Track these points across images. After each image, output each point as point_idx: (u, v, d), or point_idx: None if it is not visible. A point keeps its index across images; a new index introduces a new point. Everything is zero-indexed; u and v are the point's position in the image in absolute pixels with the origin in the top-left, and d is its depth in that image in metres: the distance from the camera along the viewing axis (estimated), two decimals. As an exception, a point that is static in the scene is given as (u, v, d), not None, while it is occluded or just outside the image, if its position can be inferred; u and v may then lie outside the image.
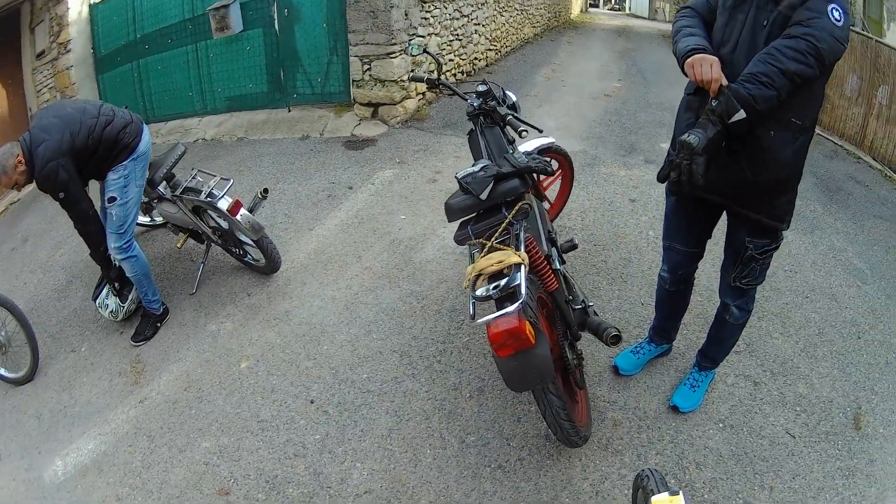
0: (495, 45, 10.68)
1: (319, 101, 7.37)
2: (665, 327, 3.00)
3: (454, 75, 8.69)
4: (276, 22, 7.24)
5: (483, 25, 9.81)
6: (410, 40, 6.99)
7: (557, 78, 9.66)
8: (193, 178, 3.82)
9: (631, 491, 2.02)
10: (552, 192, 4.11)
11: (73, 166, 3.19)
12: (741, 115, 1.90)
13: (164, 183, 3.82)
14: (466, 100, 3.11)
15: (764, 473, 2.55)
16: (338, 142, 6.44)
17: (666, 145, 6.36)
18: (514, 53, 11.80)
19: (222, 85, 7.91)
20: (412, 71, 6.97)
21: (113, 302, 3.70)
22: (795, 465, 2.60)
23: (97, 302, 3.75)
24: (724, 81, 1.96)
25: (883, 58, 8.26)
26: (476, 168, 2.39)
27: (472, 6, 9.17)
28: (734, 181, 2.20)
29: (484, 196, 2.28)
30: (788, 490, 2.48)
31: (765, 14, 2.03)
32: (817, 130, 8.66)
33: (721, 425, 2.78)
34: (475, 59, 9.52)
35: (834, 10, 1.91)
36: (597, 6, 56.20)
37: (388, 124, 6.78)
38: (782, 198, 2.23)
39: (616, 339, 2.45)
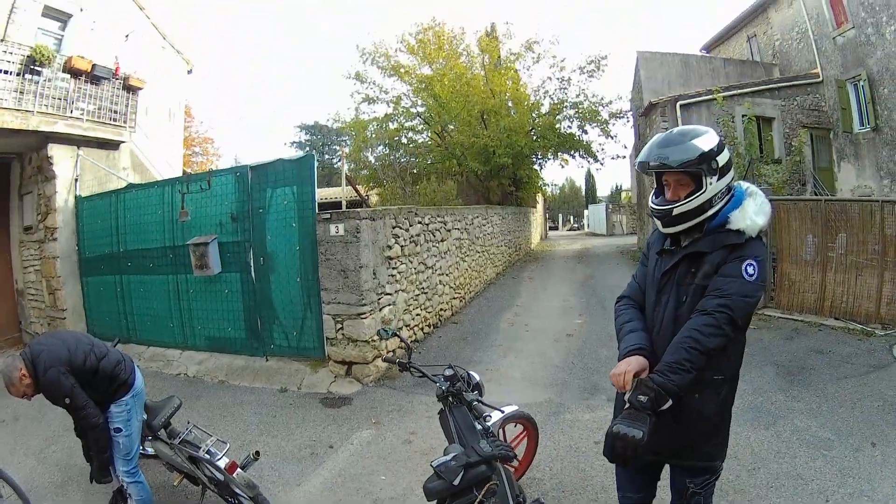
0: (459, 293, 11.47)
1: (295, 355, 7.52)
2: None
3: (422, 329, 9.20)
4: (252, 269, 7.59)
5: (447, 274, 10.60)
6: (380, 304, 7.50)
7: (520, 322, 10.26)
8: (189, 431, 4.07)
9: None
10: (520, 450, 4.35)
11: (75, 379, 3.43)
12: (669, 403, 2.12)
13: (163, 430, 4.06)
14: (436, 382, 3.44)
15: None
16: (315, 398, 6.71)
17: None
18: (477, 298, 12.59)
19: (202, 323, 8.09)
20: (385, 346, 7.36)
21: None
22: None
23: None
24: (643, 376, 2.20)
25: (834, 212, 8.98)
26: (448, 457, 2.70)
27: (435, 256, 9.94)
28: (667, 442, 2.35)
29: (456, 482, 2.58)
30: None
31: (684, 289, 2.32)
32: (778, 313, 9.24)
33: None
34: (441, 310, 10.17)
35: (748, 267, 2.19)
36: (556, 228, 59.99)
37: (361, 382, 7.01)
38: (714, 442, 2.41)
39: None
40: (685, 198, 2.30)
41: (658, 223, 2.44)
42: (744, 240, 2.26)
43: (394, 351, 7.52)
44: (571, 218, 68.01)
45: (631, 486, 2.75)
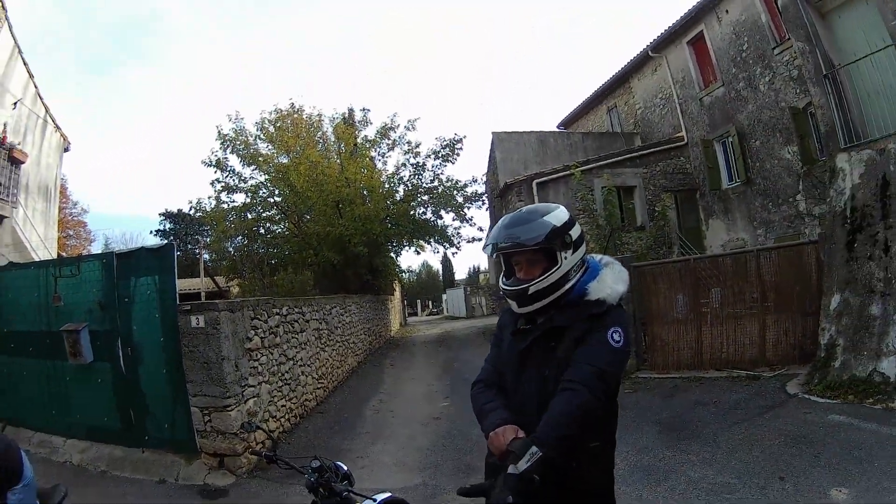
0: (323, 383, 11.26)
1: (170, 447, 7.27)
2: None
3: (288, 420, 8.92)
4: (121, 359, 7.34)
5: (308, 365, 10.42)
6: (244, 396, 7.34)
7: (386, 409, 10.28)
8: None
9: None
10: None
11: None
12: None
13: None
14: (304, 474, 3.40)
15: None
16: (193, 490, 6.51)
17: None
18: (341, 387, 12.44)
19: (81, 412, 7.77)
20: (253, 438, 7.15)
21: None
22: None
23: None
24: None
25: (705, 268, 9.25)
26: None
27: (295, 347, 9.80)
28: None
29: None
30: None
31: (546, 366, 2.22)
32: (653, 374, 9.28)
33: None
34: (305, 400, 9.93)
35: (614, 334, 2.14)
36: (416, 314, 60.39)
37: (235, 474, 6.81)
38: None
39: None
40: (540, 275, 2.25)
41: (513, 304, 2.37)
42: (605, 308, 2.22)
43: (262, 443, 7.31)
44: (430, 303, 68.91)
45: None
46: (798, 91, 12.65)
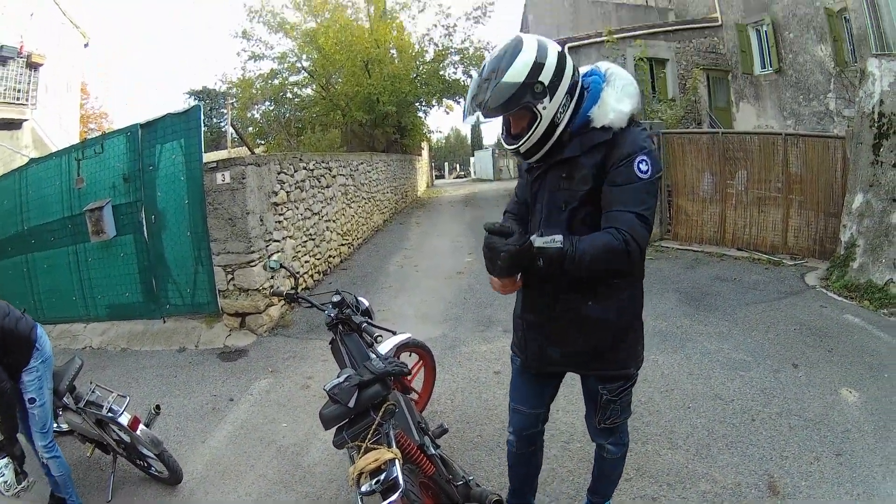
0: (347, 239, 11.37)
1: (191, 312, 7.40)
2: (522, 491, 2.87)
3: (311, 276, 9.08)
4: (144, 228, 7.39)
5: (333, 221, 10.47)
6: (268, 251, 7.39)
7: (410, 264, 10.34)
8: (93, 391, 3.92)
9: None
10: (418, 383, 4.37)
11: None
12: (539, 262, 1.99)
13: (68, 394, 3.88)
14: (324, 311, 3.33)
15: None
16: (212, 353, 6.61)
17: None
18: (366, 244, 12.55)
19: (102, 292, 7.86)
20: (272, 279, 7.26)
21: (10, 475, 3.43)
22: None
23: None
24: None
25: (733, 145, 9.03)
26: (341, 379, 2.59)
27: (321, 202, 9.80)
28: (569, 353, 2.31)
29: (352, 404, 2.47)
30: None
31: (561, 195, 2.17)
32: (675, 245, 9.38)
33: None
34: (329, 256, 10.04)
35: (640, 164, 2.00)
36: (443, 177, 60.16)
37: (256, 333, 6.94)
38: (623, 347, 2.29)
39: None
40: (526, 131, 2.08)
41: (518, 158, 2.30)
42: (611, 135, 2.05)
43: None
44: (458, 166, 68.43)
45: (522, 396, 2.60)
46: None
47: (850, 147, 7.42)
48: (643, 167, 1.99)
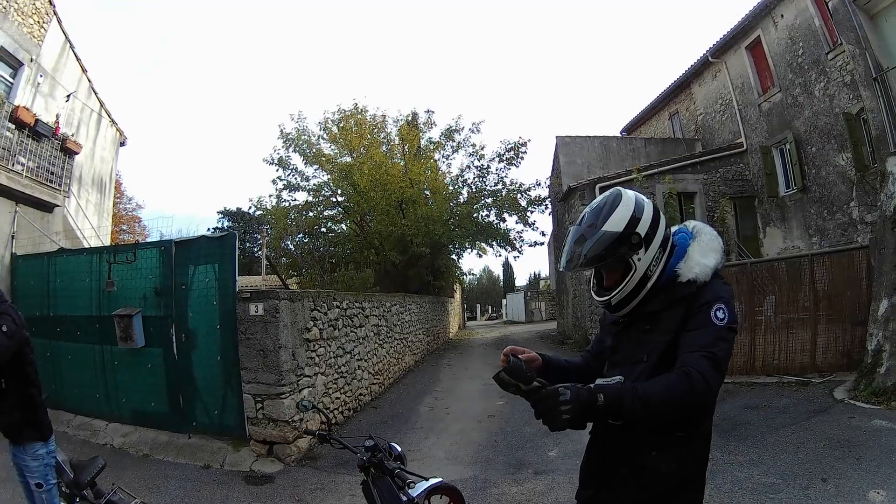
0: (379, 378, 11.24)
1: (217, 433, 7.32)
2: None
3: (342, 413, 8.92)
4: (174, 345, 7.43)
5: (365, 360, 10.43)
6: (299, 386, 7.35)
7: (441, 406, 10.17)
8: (114, 492, 3.90)
9: None
10: None
11: None
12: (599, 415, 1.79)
13: (89, 489, 3.83)
14: (356, 453, 3.32)
15: None
16: (238, 476, 6.52)
17: (553, 453, 6.71)
18: (397, 384, 12.42)
19: (127, 395, 7.87)
20: (302, 420, 7.17)
21: None
22: None
23: None
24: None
25: (761, 274, 9.09)
26: None
27: (353, 342, 9.84)
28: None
29: None
30: None
31: (643, 349, 2.07)
32: None
33: None
34: (360, 394, 9.93)
35: (717, 312, 1.94)
36: (475, 318, 60.40)
37: (283, 462, 6.82)
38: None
39: None
40: (619, 283, 2.08)
41: (606, 310, 2.25)
42: (696, 288, 2.03)
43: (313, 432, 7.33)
44: (489, 307, 68.83)
45: None
46: (851, 96, 12.22)
47: (874, 255, 7.54)
48: (720, 314, 1.94)
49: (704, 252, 2.09)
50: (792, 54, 14.31)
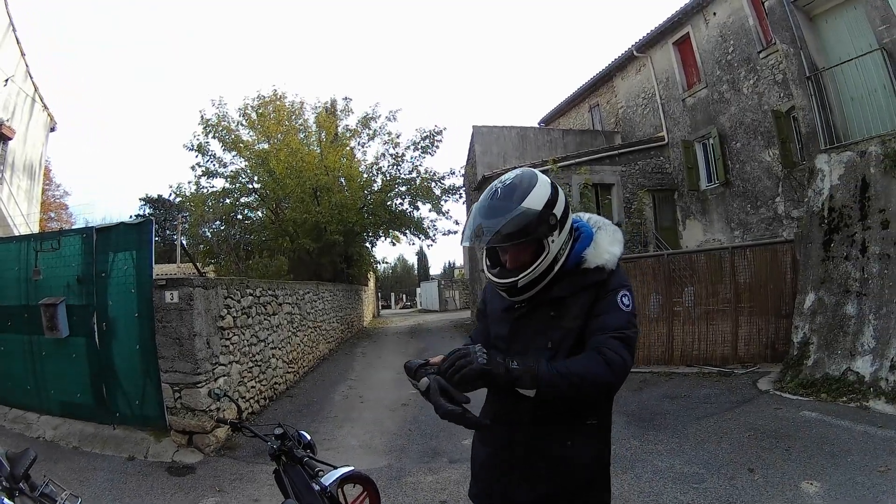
0: (293, 367, 11.12)
1: (140, 424, 7.23)
2: None
3: (257, 402, 8.79)
4: (96, 334, 7.28)
5: (279, 348, 10.30)
6: (215, 374, 7.26)
7: (355, 394, 10.19)
8: (46, 484, 3.70)
9: None
10: None
11: None
12: (530, 392, 1.81)
13: (24, 481, 3.63)
14: (266, 441, 3.34)
15: None
16: (161, 466, 6.51)
17: (468, 442, 6.83)
18: (312, 373, 12.31)
19: (55, 387, 7.73)
20: (218, 405, 7.06)
21: None
22: None
23: None
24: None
25: (679, 265, 9.11)
26: None
27: (267, 330, 9.70)
28: (544, 493, 2.09)
29: None
30: None
31: (547, 336, 2.05)
32: None
33: None
34: (275, 383, 9.78)
35: (623, 298, 1.99)
36: (389, 307, 60.30)
37: (203, 452, 6.82)
38: (594, 493, 2.15)
39: None
40: (530, 264, 2.00)
41: (504, 294, 2.13)
42: (606, 275, 2.05)
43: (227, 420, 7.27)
44: (404, 296, 68.87)
45: None
46: (781, 95, 12.79)
47: (800, 249, 7.78)
48: (626, 301, 1.99)
49: (612, 241, 2.11)
50: (721, 52, 14.72)
